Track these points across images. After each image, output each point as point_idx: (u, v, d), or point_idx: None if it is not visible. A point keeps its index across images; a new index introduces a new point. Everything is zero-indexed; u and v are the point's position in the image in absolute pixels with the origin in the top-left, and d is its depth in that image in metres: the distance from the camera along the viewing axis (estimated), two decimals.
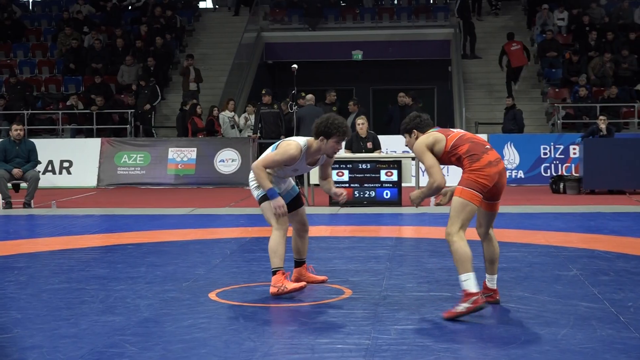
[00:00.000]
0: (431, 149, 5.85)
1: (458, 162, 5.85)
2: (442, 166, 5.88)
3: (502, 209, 12.32)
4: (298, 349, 4.94)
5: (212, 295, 6.49)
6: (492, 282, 6.09)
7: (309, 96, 16.71)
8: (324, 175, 6.73)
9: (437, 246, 8.70)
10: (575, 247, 8.77)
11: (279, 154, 6.34)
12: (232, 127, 19.15)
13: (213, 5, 28.49)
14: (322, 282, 6.89)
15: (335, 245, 9.28)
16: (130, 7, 26.59)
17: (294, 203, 6.69)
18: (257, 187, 6.47)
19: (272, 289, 6.33)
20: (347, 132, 6.37)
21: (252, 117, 18.85)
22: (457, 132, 5.99)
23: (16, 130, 13.80)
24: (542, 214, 12.04)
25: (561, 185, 15.39)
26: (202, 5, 28.44)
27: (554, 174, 16.64)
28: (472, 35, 23.47)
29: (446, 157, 5.87)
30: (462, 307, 5.54)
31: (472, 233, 6.07)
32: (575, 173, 16.42)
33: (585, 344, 4.98)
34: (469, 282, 5.56)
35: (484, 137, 17.63)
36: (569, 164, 17.12)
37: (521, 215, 11.94)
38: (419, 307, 5.99)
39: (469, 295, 5.54)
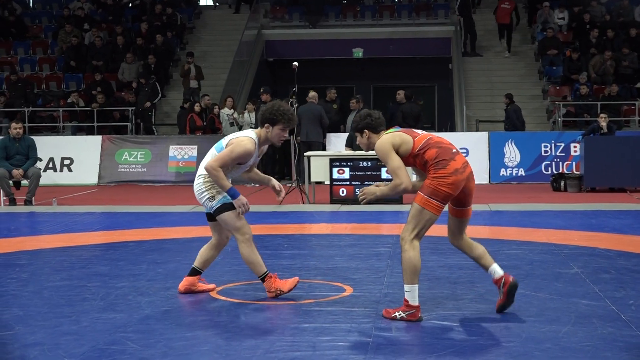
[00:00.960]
0: (397, 149, 5.65)
1: (423, 167, 5.68)
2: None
3: (503, 206, 12.38)
4: (299, 346, 4.95)
5: (214, 293, 6.50)
6: (494, 272, 5.84)
7: (312, 94, 16.71)
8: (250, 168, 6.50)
9: (438, 244, 8.69)
10: (576, 245, 8.77)
11: (235, 151, 6.03)
12: (232, 124, 19.14)
13: (213, 3, 28.51)
14: (212, 290, 6.61)
15: (336, 242, 9.29)
16: (130, 5, 26.60)
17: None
18: (211, 198, 6.16)
19: (270, 294, 6.28)
20: (292, 119, 6.12)
21: (248, 115, 18.86)
22: (423, 134, 5.79)
23: (15, 129, 13.84)
24: (542, 211, 12.05)
25: (562, 183, 15.39)
26: (202, 2, 28.47)
27: (555, 172, 16.63)
28: (472, 33, 23.48)
29: (411, 159, 5.69)
30: (399, 314, 5.58)
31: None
32: (576, 171, 16.42)
33: (586, 341, 4.99)
34: (412, 294, 5.56)
35: (484, 135, 17.66)
36: (569, 162, 17.11)
37: (522, 213, 11.95)
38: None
39: (410, 307, 5.57)
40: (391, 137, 5.70)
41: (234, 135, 6.27)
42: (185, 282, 6.56)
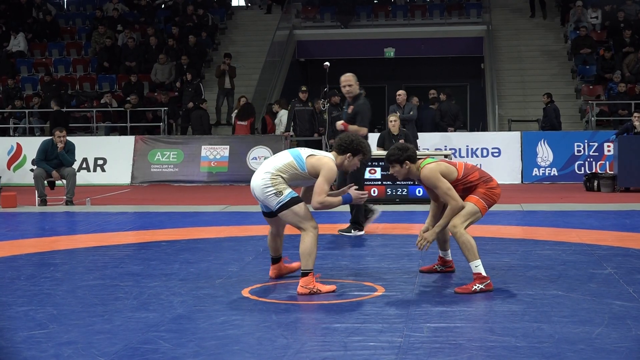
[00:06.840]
0: (443, 177, 6.50)
1: (465, 190, 6.58)
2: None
3: (536, 207, 12.29)
4: (331, 346, 4.95)
5: (245, 292, 6.52)
6: (446, 255, 7.21)
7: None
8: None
9: None
10: (610, 246, 8.70)
11: (328, 177, 6.40)
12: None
13: (245, 3, 28.59)
14: (298, 268, 6.86)
15: (367, 242, 9.28)
16: (163, 6, 26.76)
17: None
18: (278, 194, 6.41)
19: (302, 290, 6.35)
20: (371, 152, 6.83)
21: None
22: (458, 162, 6.77)
23: (59, 137, 13.89)
24: (575, 212, 11.96)
25: (595, 183, 15.28)
26: (234, 3, 28.55)
27: (588, 172, 16.52)
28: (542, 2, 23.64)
29: (454, 184, 6.54)
30: (478, 287, 6.34)
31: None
32: (610, 171, 16.29)
33: (620, 343, 4.94)
34: (480, 267, 6.41)
35: (517, 135, 17.63)
36: (603, 162, 16.98)
37: (555, 213, 11.87)
38: (452, 305, 5.98)
39: (483, 278, 6.38)
40: (437, 166, 6.55)
41: (316, 152, 6.59)
42: (273, 270, 7.03)
